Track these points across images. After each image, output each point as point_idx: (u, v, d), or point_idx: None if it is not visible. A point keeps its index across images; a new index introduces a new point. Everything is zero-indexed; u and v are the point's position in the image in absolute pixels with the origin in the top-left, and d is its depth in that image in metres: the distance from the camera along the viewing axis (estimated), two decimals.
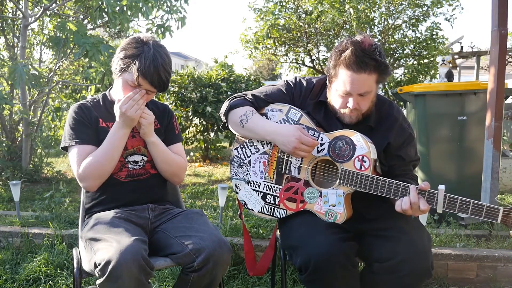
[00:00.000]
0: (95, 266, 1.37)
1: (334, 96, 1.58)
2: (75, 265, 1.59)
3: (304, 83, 1.73)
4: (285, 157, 1.66)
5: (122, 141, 1.62)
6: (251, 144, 1.74)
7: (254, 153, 1.73)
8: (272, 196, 1.69)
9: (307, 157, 1.61)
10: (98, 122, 1.68)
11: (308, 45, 8.71)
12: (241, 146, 1.77)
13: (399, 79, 8.43)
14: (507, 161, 4.22)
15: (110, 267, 1.31)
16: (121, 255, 1.32)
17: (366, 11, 7.78)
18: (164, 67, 1.58)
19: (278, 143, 1.61)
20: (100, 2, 4.04)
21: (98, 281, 1.37)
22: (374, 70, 1.48)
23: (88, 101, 1.74)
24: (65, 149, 1.67)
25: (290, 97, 1.72)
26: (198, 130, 6.33)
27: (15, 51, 5.00)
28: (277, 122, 1.68)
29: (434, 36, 8.00)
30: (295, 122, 1.65)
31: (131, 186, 1.69)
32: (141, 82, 1.57)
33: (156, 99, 1.89)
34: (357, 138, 1.53)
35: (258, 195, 1.72)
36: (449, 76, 3.58)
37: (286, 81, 1.77)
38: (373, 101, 1.60)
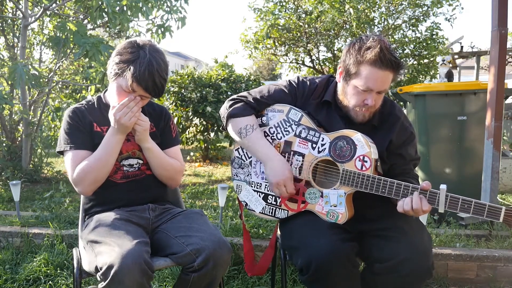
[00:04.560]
0: (97, 270, 1.37)
1: (351, 94, 1.57)
2: (75, 265, 1.59)
3: (307, 83, 1.73)
4: (286, 157, 1.66)
5: (117, 147, 1.61)
6: None
7: None
8: (274, 197, 1.69)
9: (308, 158, 1.61)
10: (92, 126, 1.67)
11: (308, 45, 8.71)
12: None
13: (399, 79, 8.42)
14: (507, 161, 4.22)
15: (112, 271, 1.31)
16: (123, 259, 1.32)
17: (366, 11, 7.78)
18: (160, 73, 1.56)
19: (266, 168, 1.64)
20: (100, 2, 4.04)
21: (100, 285, 1.37)
22: (395, 68, 1.50)
23: (82, 104, 1.73)
24: (61, 153, 1.67)
25: (293, 97, 1.72)
26: (198, 130, 6.33)
27: (15, 51, 5.00)
28: (277, 123, 1.68)
29: (434, 36, 8.00)
30: (296, 123, 1.65)
31: (128, 186, 1.69)
32: (135, 88, 1.55)
33: (154, 100, 1.88)
34: (358, 138, 1.53)
35: (260, 196, 1.72)
36: (449, 76, 3.58)
37: (289, 81, 1.76)
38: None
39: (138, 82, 1.53)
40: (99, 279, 1.38)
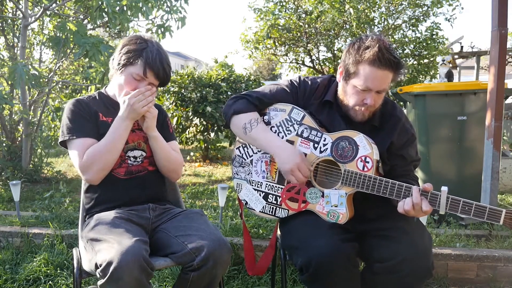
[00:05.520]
0: (96, 267, 1.37)
1: (351, 93, 1.57)
2: (75, 265, 1.59)
3: (309, 82, 1.73)
4: None
5: (125, 133, 1.64)
6: None
7: (256, 153, 1.73)
8: (274, 196, 1.69)
9: (309, 158, 1.61)
10: (98, 116, 1.69)
11: (308, 45, 8.72)
12: (243, 145, 1.77)
13: (399, 78, 8.42)
14: (507, 161, 4.22)
15: (111, 268, 1.31)
16: (122, 256, 1.32)
17: (366, 11, 7.79)
18: (167, 62, 1.68)
19: (278, 159, 1.62)
20: (100, 2, 4.04)
21: (99, 282, 1.37)
22: (395, 68, 1.50)
23: (84, 97, 1.76)
24: (63, 144, 1.67)
25: (294, 97, 1.72)
26: (198, 130, 6.33)
27: (15, 51, 5.00)
28: (279, 122, 1.68)
29: (434, 36, 8.02)
30: (298, 122, 1.65)
31: (129, 183, 1.69)
32: (148, 74, 1.63)
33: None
34: (360, 139, 1.53)
35: (260, 194, 1.72)
36: (449, 76, 3.58)
37: (290, 80, 1.76)
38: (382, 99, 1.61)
39: (151, 68, 1.62)
40: (98, 276, 1.38)
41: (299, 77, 1.76)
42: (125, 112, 1.61)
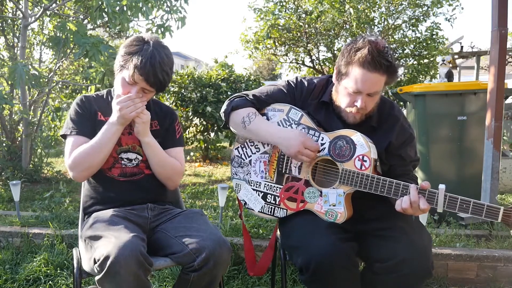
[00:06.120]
0: (94, 262, 1.37)
1: (342, 95, 1.57)
2: (75, 265, 1.59)
3: (306, 83, 1.73)
4: (285, 157, 1.66)
5: (114, 136, 1.63)
6: (252, 143, 1.74)
7: (255, 153, 1.73)
8: (273, 196, 1.69)
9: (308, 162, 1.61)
10: (96, 115, 1.70)
11: (308, 45, 8.72)
12: (242, 145, 1.77)
13: (399, 79, 8.42)
14: (507, 161, 4.22)
15: (108, 262, 1.31)
16: (119, 250, 1.32)
17: (366, 11, 7.79)
18: (162, 66, 1.57)
19: (281, 146, 1.61)
20: (100, 2, 4.04)
21: (97, 277, 1.37)
22: (386, 71, 1.48)
23: (92, 95, 1.78)
24: (64, 137, 1.71)
25: (291, 97, 1.72)
26: (198, 130, 6.33)
27: (15, 51, 5.00)
28: (278, 122, 1.68)
29: (434, 36, 8.01)
30: (296, 122, 1.65)
31: (127, 186, 1.69)
32: (136, 79, 1.57)
33: (159, 100, 1.90)
34: (358, 137, 1.53)
35: (259, 194, 1.72)
36: (449, 76, 3.58)
37: (287, 81, 1.77)
38: (377, 102, 1.61)
39: (140, 73, 1.55)
40: (96, 271, 1.37)
41: (296, 78, 1.76)
42: (115, 117, 1.61)
